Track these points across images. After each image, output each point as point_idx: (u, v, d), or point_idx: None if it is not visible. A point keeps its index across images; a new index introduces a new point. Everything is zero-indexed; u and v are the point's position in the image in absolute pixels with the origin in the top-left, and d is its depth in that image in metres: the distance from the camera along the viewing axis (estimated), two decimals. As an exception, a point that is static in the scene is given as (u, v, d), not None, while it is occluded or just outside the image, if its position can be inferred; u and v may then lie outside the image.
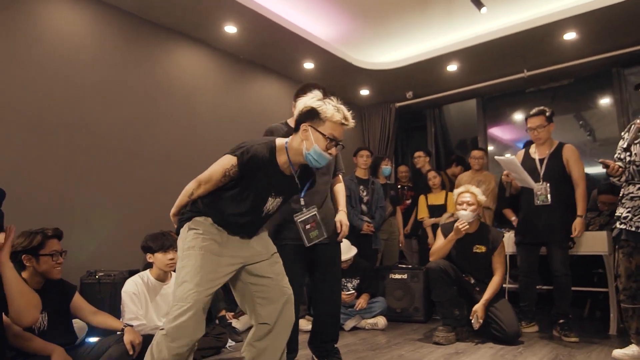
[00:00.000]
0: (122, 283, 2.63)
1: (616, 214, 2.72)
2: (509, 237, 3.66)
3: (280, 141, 1.88)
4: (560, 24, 4.17)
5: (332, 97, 1.91)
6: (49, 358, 1.89)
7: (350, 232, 4.21)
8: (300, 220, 2.01)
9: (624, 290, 2.64)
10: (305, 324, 3.67)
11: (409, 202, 5.18)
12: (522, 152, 3.53)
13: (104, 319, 2.28)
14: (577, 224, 3.17)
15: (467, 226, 3.17)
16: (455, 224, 3.20)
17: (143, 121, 3.78)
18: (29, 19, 3.16)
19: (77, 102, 3.36)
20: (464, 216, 3.21)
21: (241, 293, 1.96)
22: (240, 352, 2.00)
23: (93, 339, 2.39)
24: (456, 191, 3.39)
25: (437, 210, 4.64)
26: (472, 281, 3.32)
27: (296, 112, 1.92)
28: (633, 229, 2.56)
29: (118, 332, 2.23)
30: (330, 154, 1.84)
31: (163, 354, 1.70)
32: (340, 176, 2.72)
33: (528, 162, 3.41)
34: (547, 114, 3.33)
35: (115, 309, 2.69)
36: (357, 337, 3.45)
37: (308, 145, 1.82)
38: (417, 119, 6.72)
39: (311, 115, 1.84)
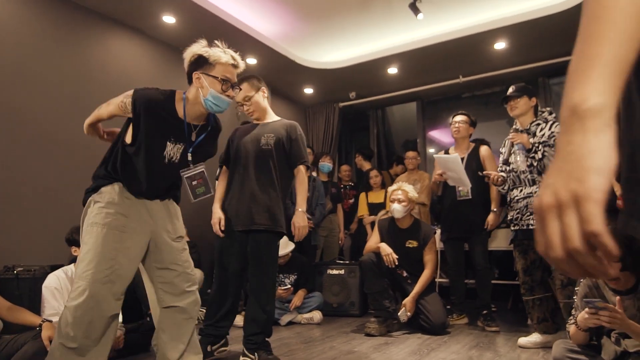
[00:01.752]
0: (43, 278, 2.50)
1: (508, 219, 3.01)
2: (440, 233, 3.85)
3: (179, 92, 1.92)
4: (491, 33, 4.43)
5: (217, 43, 1.94)
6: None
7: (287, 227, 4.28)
8: (186, 176, 1.95)
9: (523, 284, 2.92)
10: (241, 320, 3.67)
11: (351, 201, 5.29)
12: (441, 153, 3.76)
13: (20, 314, 2.16)
14: (491, 218, 3.43)
15: (393, 263, 3.32)
16: (385, 257, 3.34)
17: (72, 109, 3.59)
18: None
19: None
20: (396, 210, 3.37)
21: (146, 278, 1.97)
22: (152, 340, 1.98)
23: (9, 337, 2.26)
24: (390, 188, 3.55)
25: (377, 208, 4.77)
26: (405, 274, 3.46)
27: (185, 63, 1.93)
28: (525, 227, 2.85)
29: (37, 328, 2.13)
30: (228, 96, 1.87)
31: (67, 328, 1.68)
32: (302, 169, 2.56)
33: None
34: (472, 118, 3.65)
35: (35, 305, 2.54)
36: (292, 331, 3.49)
37: (204, 92, 1.84)
38: (360, 119, 6.87)
39: (200, 63, 1.87)
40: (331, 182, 4.93)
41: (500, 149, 3.12)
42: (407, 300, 3.27)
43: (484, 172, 3.18)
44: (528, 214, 2.83)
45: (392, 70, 5.29)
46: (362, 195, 4.91)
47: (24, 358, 1.98)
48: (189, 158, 1.93)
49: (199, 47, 1.89)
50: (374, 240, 3.55)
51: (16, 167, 3.21)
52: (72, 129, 3.61)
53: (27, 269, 2.66)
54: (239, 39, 4.46)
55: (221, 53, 1.88)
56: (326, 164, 4.91)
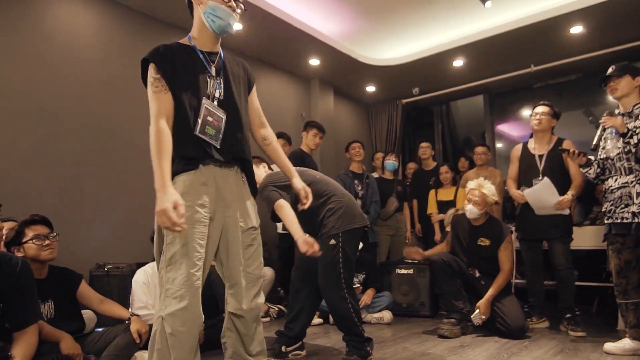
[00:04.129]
0: (131, 275, 2.68)
1: (602, 210, 2.76)
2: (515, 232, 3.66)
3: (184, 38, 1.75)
4: (567, 17, 4.14)
5: None
6: (57, 344, 1.94)
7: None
8: (205, 105, 1.65)
9: (616, 287, 2.67)
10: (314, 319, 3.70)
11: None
12: (519, 147, 3.53)
13: (111, 307, 2.32)
14: (562, 198, 3.09)
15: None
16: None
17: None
18: (38, 17, 3.23)
19: (86, 98, 3.42)
20: (469, 211, 3.27)
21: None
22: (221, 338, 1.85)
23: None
24: (469, 184, 3.38)
25: (446, 206, 4.59)
26: (477, 274, 3.32)
27: None
28: (618, 220, 2.58)
29: (126, 322, 2.27)
30: (230, 7, 1.68)
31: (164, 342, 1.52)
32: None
33: (527, 157, 3.42)
34: (555, 109, 3.37)
35: (123, 301, 2.73)
36: (362, 330, 3.46)
37: (203, 7, 1.68)
38: (424, 115, 6.71)
39: None
40: (396, 181, 4.85)
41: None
42: (482, 303, 3.13)
43: (560, 148, 2.88)
44: (622, 206, 2.55)
45: (458, 62, 5.11)
46: (432, 192, 4.74)
47: (116, 350, 2.11)
48: (217, 93, 1.69)
49: None
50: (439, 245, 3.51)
51: (105, 173, 3.48)
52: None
53: (116, 266, 2.86)
54: (302, 41, 4.52)
55: None
56: (391, 161, 4.82)
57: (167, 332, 1.51)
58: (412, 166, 5.40)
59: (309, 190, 1.96)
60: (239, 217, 1.71)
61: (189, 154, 1.61)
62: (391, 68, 5.26)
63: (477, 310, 3.11)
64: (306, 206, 1.94)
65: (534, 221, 3.29)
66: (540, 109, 3.37)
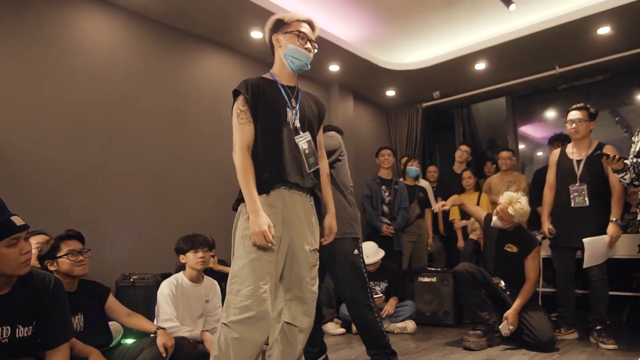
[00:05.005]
0: (155, 286, 2.69)
1: (638, 219, 2.64)
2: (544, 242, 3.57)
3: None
4: (594, 18, 4.03)
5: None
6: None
7: (372, 234, 4.23)
8: (298, 141, 1.87)
9: None
10: (334, 328, 3.69)
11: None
12: (557, 152, 3.42)
13: (137, 321, 2.34)
14: (611, 229, 3.04)
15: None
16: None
17: (174, 126, 3.88)
18: (63, 30, 3.29)
19: (110, 109, 3.47)
20: (494, 221, 3.25)
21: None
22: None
23: (129, 341, 2.47)
24: (501, 197, 3.25)
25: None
26: (502, 284, 3.25)
27: (266, 37, 1.99)
28: None
29: (151, 335, 2.29)
30: (307, 49, 1.89)
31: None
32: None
33: (565, 163, 3.31)
34: (591, 110, 3.22)
35: (149, 312, 2.75)
36: (385, 340, 3.43)
37: (283, 50, 1.90)
38: (444, 118, 6.62)
39: (277, 26, 1.95)
40: (418, 187, 4.79)
41: (633, 139, 2.72)
42: (509, 313, 3.06)
43: (598, 152, 2.77)
44: None
45: (480, 66, 5.03)
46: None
47: (143, 363, 2.13)
48: (296, 122, 1.89)
49: (275, 15, 1.96)
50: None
51: (130, 185, 3.52)
52: (178, 144, 3.89)
53: (141, 277, 2.89)
54: (322, 47, 4.47)
55: (296, 13, 1.95)
56: (414, 168, 4.77)
57: (233, 337, 1.65)
58: (432, 169, 5.34)
59: (335, 230, 2.07)
60: (306, 237, 1.86)
61: (263, 178, 1.79)
62: (412, 72, 5.20)
63: (505, 321, 3.05)
64: (324, 243, 2.04)
65: (570, 230, 3.20)
66: (575, 114, 3.21)
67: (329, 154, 2.42)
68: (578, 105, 3.25)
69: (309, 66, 1.94)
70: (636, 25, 4.14)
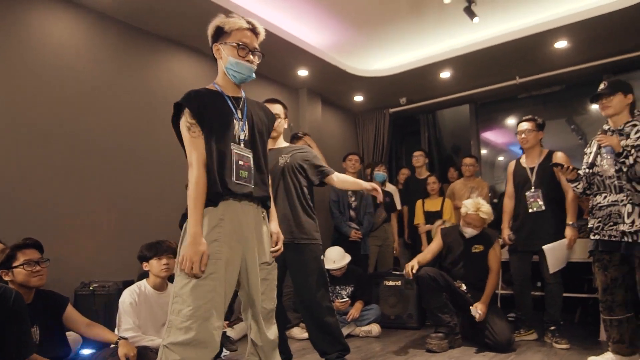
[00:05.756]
0: (117, 294, 2.62)
1: (588, 226, 2.76)
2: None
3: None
4: (552, 33, 4.22)
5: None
6: (44, 374, 1.90)
7: (339, 238, 4.28)
8: (235, 150, 1.78)
9: (601, 303, 2.69)
10: (300, 332, 3.70)
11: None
12: (513, 163, 3.59)
13: (98, 332, 2.28)
14: (569, 232, 3.21)
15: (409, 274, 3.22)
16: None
17: (138, 129, 3.79)
18: (24, 28, 3.16)
19: (72, 110, 3.36)
20: (468, 233, 3.39)
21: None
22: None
23: (87, 351, 2.40)
24: (466, 204, 3.38)
25: (432, 217, 4.63)
26: (464, 287, 3.36)
27: (209, 42, 1.88)
28: (606, 238, 2.60)
29: (112, 345, 2.24)
30: (248, 61, 1.79)
31: None
32: (333, 177, 2.74)
33: (520, 172, 3.47)
34: (538, 121, 3.41)
35: (110, 320, 2.69)
36: (351, 345, 3.44)
37: (224, 61, 1.80)
38: (410, 124, 6.76)
39: (217, 34, 1.83)
40: (385, 192, 4.86)
41: (585, 150, 2.85)
42: (478, 304, 3.17)
43: (552, 163, 2.93)
44: (611, 223, 2.56)
45: (445, 74, 5.17)
46: (419, 203, 4.76)
47: (104, 374, 2.09)
48: (243, 134, 1.82)
49: (216, 20, 1.84)
50: (433, 246, 3.52)
51: (88, 187, 3.41)
52: (142, 148, 3.80)
53: (102, 285, 2.81)
54: (291, 52, 4.52)
55: (236, 19, 1.81)
56: (381, 173, 4.84)
57: (174, 359, 1.57)
58: (405, 172, 5.42)
59: (281, 238, 2.00)
60: (256, 251, 1.79)
61: (213, 191, 1.70)
62: (379, 79, 5.29)
63: (475, 308, 3.15)
64: (275, 255, 1.95)
65: (526, 234, 3.36)
66: (524, 125, 3.42)
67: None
68: (526, 117, 3.45)
69: (254, 76, 1.86)
70: (591, 40, 4.38)
